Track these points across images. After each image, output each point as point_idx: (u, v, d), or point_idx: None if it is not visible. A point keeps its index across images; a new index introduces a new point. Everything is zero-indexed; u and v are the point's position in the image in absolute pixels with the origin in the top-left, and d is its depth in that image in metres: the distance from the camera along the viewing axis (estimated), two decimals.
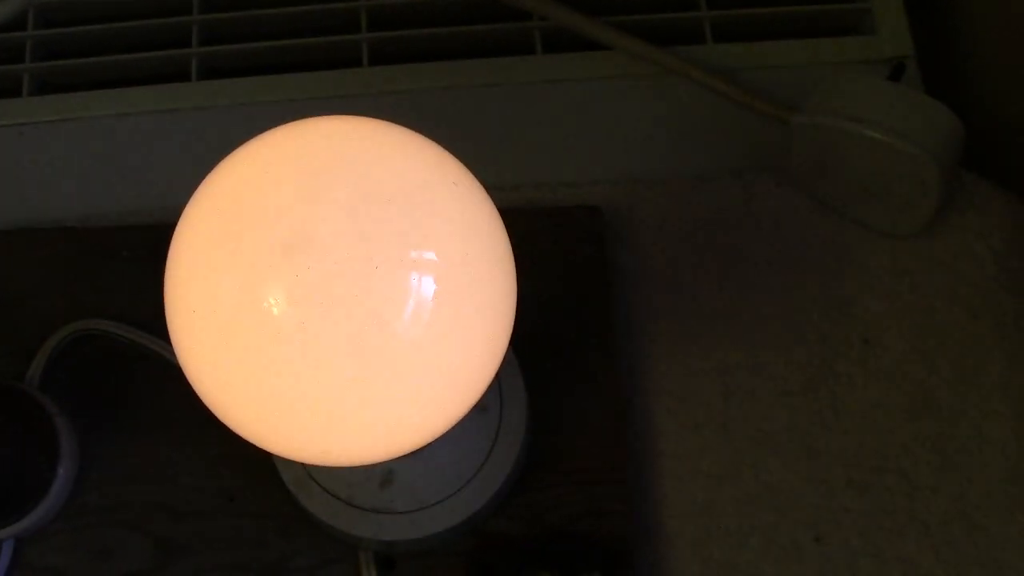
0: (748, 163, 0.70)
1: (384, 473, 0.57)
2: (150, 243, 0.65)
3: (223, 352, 0.37)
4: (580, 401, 0.63)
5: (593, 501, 0.61)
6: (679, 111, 0.73)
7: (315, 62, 0.74)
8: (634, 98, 0.73)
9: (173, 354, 0.41)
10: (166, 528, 0.60)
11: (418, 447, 0.41)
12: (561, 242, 0.66)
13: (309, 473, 0.58)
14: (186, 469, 0.61)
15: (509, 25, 0.74)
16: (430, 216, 0.38)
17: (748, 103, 0.69)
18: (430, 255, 0.38)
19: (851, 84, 0.65)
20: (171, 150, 0.72)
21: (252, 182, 0.38)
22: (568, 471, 0.61)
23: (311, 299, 0.36)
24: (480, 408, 0.58)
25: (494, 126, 0.72)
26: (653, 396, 0.64)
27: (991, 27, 0.74)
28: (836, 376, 0.65)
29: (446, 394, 0.39)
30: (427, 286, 0.38)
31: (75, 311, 0.64)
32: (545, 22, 0.74)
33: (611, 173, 0.70)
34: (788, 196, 0.69)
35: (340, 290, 0.36)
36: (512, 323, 0.42)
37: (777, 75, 0.73)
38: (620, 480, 0.61)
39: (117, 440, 0.62)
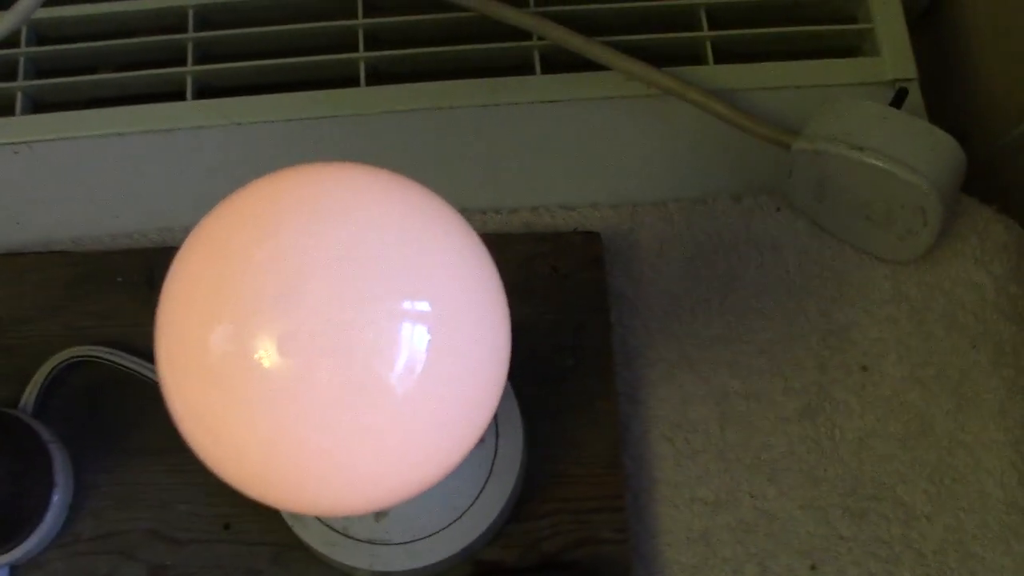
0: (748, 187, 0.70)
1: None
2: (145, 267, 0.66)
3: (211, 400, 0.37)
4: (577, 428, 0.62)
5: (590, 529, 0.60)
6: (678, 133, 0.72)
7: (312, 81, 0.74)
8: (633, 120, 0.72)
9: None
10: (161, 555, 0.60)
11: (410, 497, 0.41)
12: (559, 267, 0.66)
13: None
14: (181, 496, 0.61)
15: (507, 45, 0.74)
16: (422, 266, 0.38)
17: (748, 127, 0.69)
18: (423, 305, 0.37)
19: (852, 109, 0.64)
20: (166, 170, 0.71)
21: (243, 232, 0.38)
22: (565, 499, 0.61)
23: (302, 351, 0.36)
24: None
25: (491, 147, 0.72)
26: (650, 423, 0.64)
27: (994, 51, 0.74)
28: (834, 403, 0.65)
29: (439, 445, 0.39)
30: (420, 336, 0.37)
31: (69, 337, 0.64)
32: (544, 42, 0.73)
33: (609, 196, 0.70)
34: (788, 221, 0.69)
35: (331, 342, 0.36)
36: (507, 370, 0.41)
37: (778, 96, 0.72)
38: (617, 508, 0.61)
39: (112, 467, 0.62)
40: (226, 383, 0.37)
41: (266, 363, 0.36)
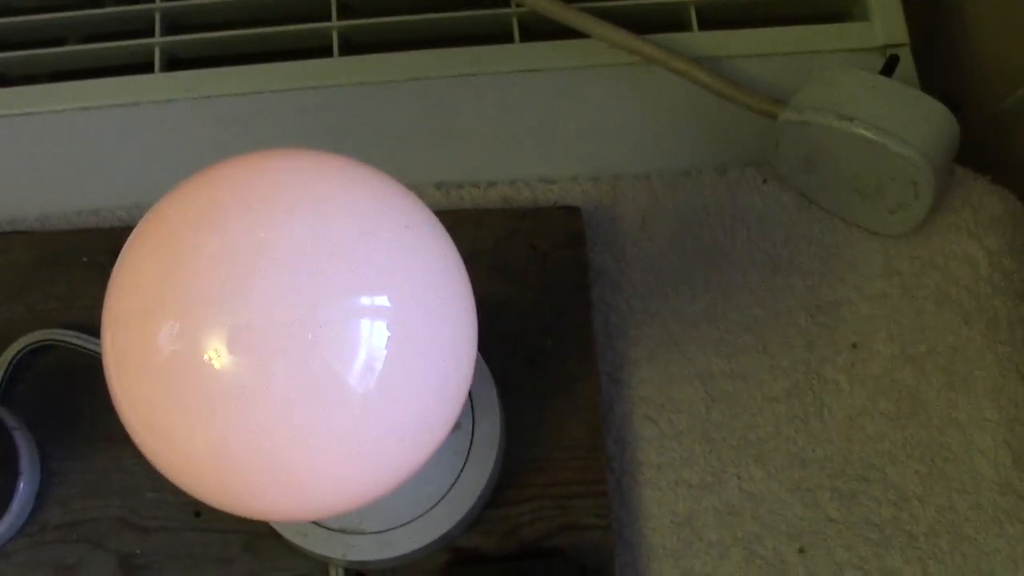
0: (733, 158, 0.68)
1: None
2: (112, 247, 0.63)
3: (159, 401, 0.35)
4: (557, 411, 0.61)
5: (571, 514, 0.59)
6: (662, 103, 0.70)
7: (283, 52, 0.72)
8: (615, 89, 0.70)
9: None
10: (130, 544, 0.59)
11: (373, 502, 0.39)
12: (538, 244, 0.64)
13: None
14: (150, 484, 0.59)
15: (485, 13, 0.72)
16: (381, 258, 0.36)
17: (734, 96, 0.67)
18: (382, 300, 0.35)
19: (842, 78, 0.63)
20: (134, 145, 0.69)
21: (193, 223, 0.36)
22: (545, 484, 0.60)
23: (255, 350, 0.34)
24: None
25: (468, 119, 0.70)
26: (633, 404, 0.63)
27: (988, 15, 0.72)
28: (823, 382, 0.63)
29: (403, 446, 0.37)
30: (379, 333, 0.35)
31: (33, 320, 0.62)
32: (522, 9, 0.71)
33: (590, 168, 0.68)
34: (775, 194, 0.67)
35: (285, 340, 0.34)
36: (473, 365, 0.39)
37: (765, 64, 0.71)
38: (599, 492, 0.60)
39: (79, 454, 0.60)
40: (174, 384, 0.35)
41: (216, 363, 0.34)
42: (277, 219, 0.35)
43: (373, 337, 0.35)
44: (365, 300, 0.35)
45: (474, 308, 0.39)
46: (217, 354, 0.34)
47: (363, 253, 0.35)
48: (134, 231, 0.38)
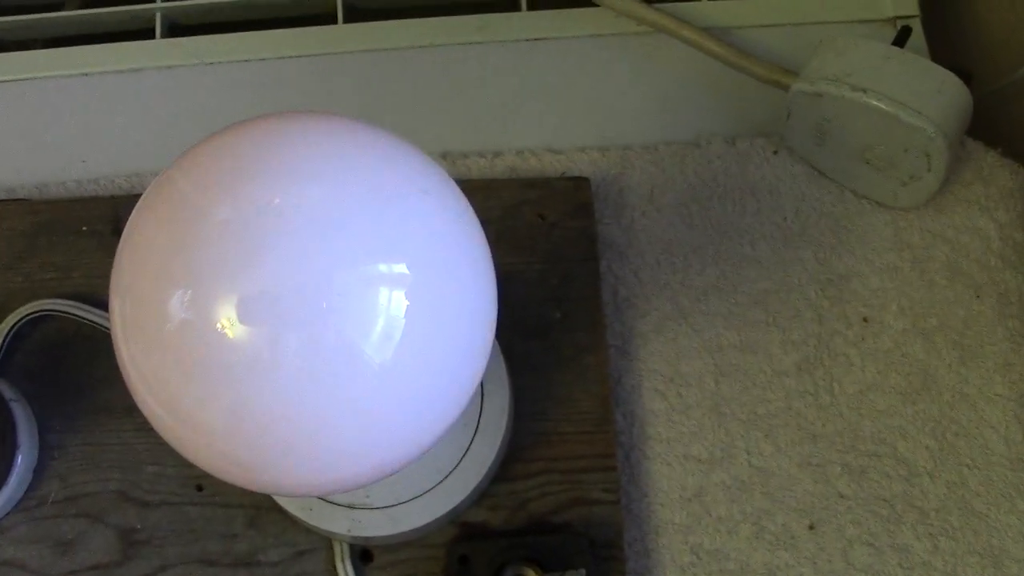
0: (743, 130, 0.68)
1: None
2: (112, 216, 0.63)
3: (169, 372, 0.34)
4: (566, 384, 0.60)
5: (580, 489, 0.58)
6: (670, 73, 0.69)
7: (287, 19, 0.71)
8: (623, 58, 0.70)
9: None
10: (131, 519, 0.58)
11: (388, 476, 0.38)
12: (546, 215, 0.63)
13: None
14: (151, 457, 0.59)
15: None
16: (399, 225, 0.35)
17: (744, 66, 0.66)
18: (400, 267, 0.34)
19: (854, 49, 0.62)
20: (134, 113, 0.68)
21: (204, 188, 0.35)
22: (553, 458, 0.59)
23: (269, 319, 0.33)
24: None
25: (474, 88, 0.69)
26: (642, 377, 0.62)
27: None
28: (833, 356, 0.62)
29: (420, 419, 0.36)
30: (397, 302, 0.34)
31: (31, 290, 0.61)
32: None
33: (598, 139, 0.67)
34: (785, 165, 0.66)
35: (301, 309, 0.33)
36: (493, 334, 0.39)
37: (776, 34, 0.70)
38: (608, 467, 0.59)
39: (78, 427, 0.59)
40: (185, 353, 0.34)
41: (228, 332, 0.33)
42: (291, 184, 0.34)
43: (391, 306, 0.34)
44: (383, 267, 0.34)
45: (493, 276, 0.39)
46: (229, 323, 0.33)
47: (381, 219, 0.34)
48: (142, 197, 0.37)
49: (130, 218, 0.37)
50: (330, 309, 0.33)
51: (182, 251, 0.34)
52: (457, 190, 0.39)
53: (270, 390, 0.34)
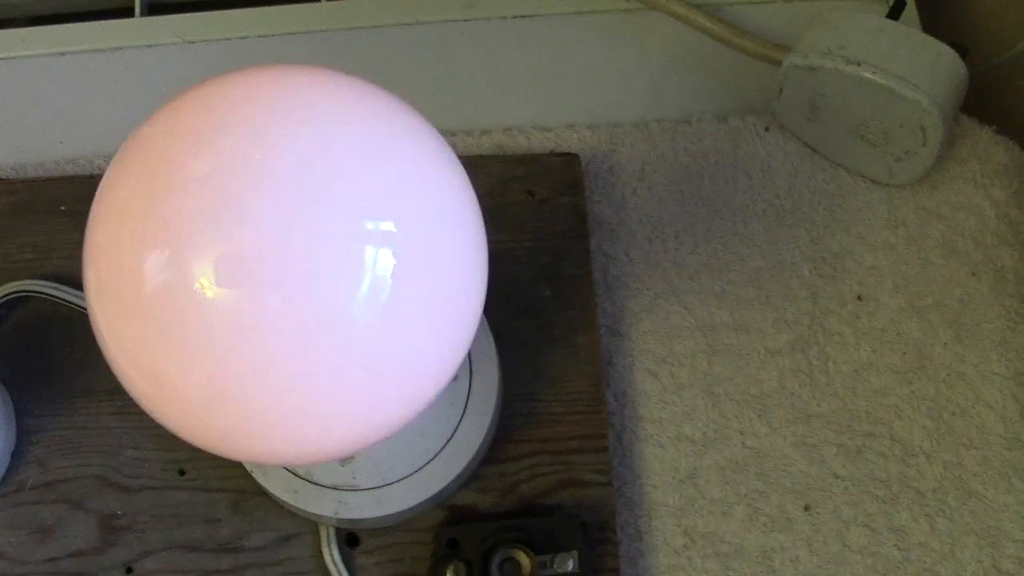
0: (735, 106, 0.67)
1: None
2: (90, 196, 0.61)
3: (148, 338, 0.33)
4: (556, 363, 0.59)
5: (571, 471, 0.58)
6: (661, 49, 0.69)
7: None
8: (612, 35, 0.69)
9: None
10: (111, 504, 0.57)
11: (376, 444, 0.37)
12: (536, 192, 0.62)
13: None
14: (132, 441, 0.58)
15: None
16: (387, 180, 0.34)
17: (735, 42, 0.65)
18: (387, 225, 0.33)
19: (848, 22, 0.61)
20: (114, 92, 0.68)
21: (183, 141, 0.33)
22: (544, 439, 0.58)
23: (249, 278, 0.32)
24: None
25: (461, 65, 0.68)
26: (634, 357, 0.61)
27: None
28: (827, 335, 0.62)
29: (408, 383, 0.35)
30: (384, 261, 0.33)
31: (8, 271, 0.60)
32: None
33: (588, 116, 0.67)
34: (777, 142, 0.65)
35: (282, 267, 0.32)
36: (483, 299, 0.37)
37: (767, 9, 0.70)
38: (600, 448, 0.58)
39: (57, 410, 0.58)
40: (163, 317, 0.32)
41: (208, 293, 0.32)
42: (274, 137, 0.33)
43: (378, 265, 0.33)
44: (369, 225, 0.33)
45: (484, 236, 0.37)
46: (209, 284, 0.32)
47: (368, 174, 0.33)
48: (115, 156, 0.36)
49: (102, 180, 0.36)
50: (315, 268, 0.32)
51: (158, 209, 0.33)
52: (448, 148, 0.38)
53: (252, 353, 0.32)
